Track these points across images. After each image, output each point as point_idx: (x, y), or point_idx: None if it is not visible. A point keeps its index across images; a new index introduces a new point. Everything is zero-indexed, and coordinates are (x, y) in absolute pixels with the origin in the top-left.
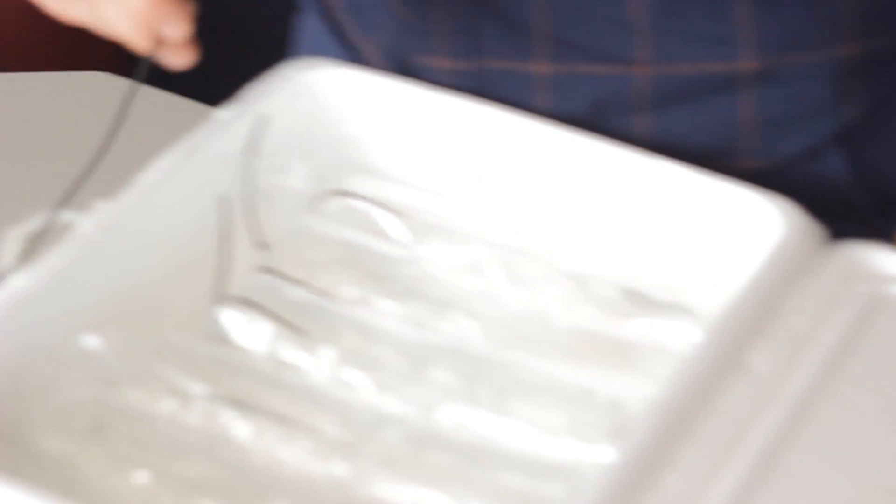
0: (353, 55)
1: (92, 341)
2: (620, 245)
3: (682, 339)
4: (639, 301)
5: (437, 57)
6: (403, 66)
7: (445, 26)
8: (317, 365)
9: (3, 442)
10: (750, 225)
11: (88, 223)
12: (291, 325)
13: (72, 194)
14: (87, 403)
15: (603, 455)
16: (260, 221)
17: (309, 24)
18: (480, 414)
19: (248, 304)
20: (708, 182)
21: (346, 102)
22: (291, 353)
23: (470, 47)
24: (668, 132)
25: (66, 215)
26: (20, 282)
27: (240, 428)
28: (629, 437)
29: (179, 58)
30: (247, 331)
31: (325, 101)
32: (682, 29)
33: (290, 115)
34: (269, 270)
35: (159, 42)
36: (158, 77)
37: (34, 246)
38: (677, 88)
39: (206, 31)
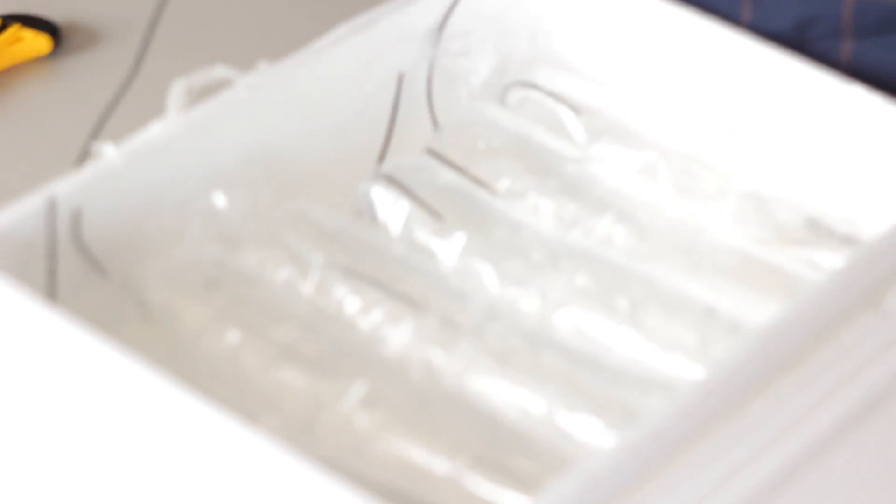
0: None
1: (220, 199)
2: (803, 170)
3: None
4: (819, 231)
5: None
6: None
7: None
8: (446, 250)
9: (116, 286)
10: None
11: (247, 81)
12: (429, 208)
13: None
14: (205, 260)
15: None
16: (434, 102)
17: None
18: (597, 320)
19: (394, 182)
20: None
21: None
22: (424, 237)
23: None
24: (868, 59)
25: (226, 72)
26: (158, 130)
27: (350, 302)
28: (725, 360)
29: None
30: (388, 209)
31: None
32: None
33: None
34: (432, 152)
35: None
36: None
37: (199, 98)
38: (881, 17)
39: None
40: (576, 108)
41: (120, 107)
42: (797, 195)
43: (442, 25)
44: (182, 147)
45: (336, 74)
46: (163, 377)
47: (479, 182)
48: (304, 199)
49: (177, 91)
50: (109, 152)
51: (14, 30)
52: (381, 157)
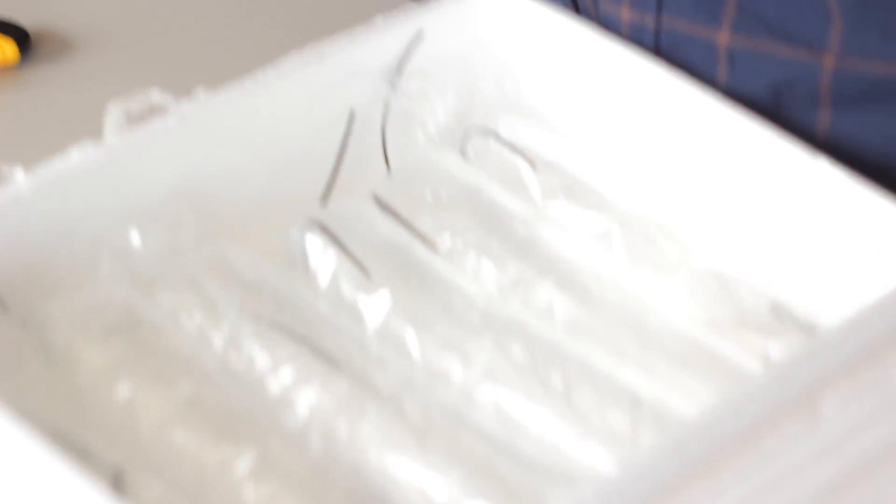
0: None
1: (135, 237)
2: (768, 247)
3: None
4: (782, 317)
5: (621, 5)
6: (587, 8)
7: None
8: (371, 309)
9: (16, 323)
10: None
11: (183, 109)
12: (358, 262)
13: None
14: (113, 302)
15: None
16: (386, 144)
17: None
18: (521, 399)
19: (327, 230)
20: (871, 197)
21: (511, 33)
22: (350, 292)
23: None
24: (844, 132)
25: (161, 97)
26: (76, 157)
27: (261, 359)
28: (637, 457)
29: None
30: (318, 259)
31: (488, 27)
32: (879, 21)
33: (447, 37)
34: (378, 200)
35: None
36: None
37: (135, 123)
38: (861, 86)
39: None
40: (534, 162)
41: (51, 126)
42: (760, 275)
43: (401, 64)
44: (101, 177)
45: (281, 108)
46: (21, 428)
47: (421, 236)
48: (232, 242)
49: (113, 115)
50: (19, 178)
51: None
52: (323, 200)
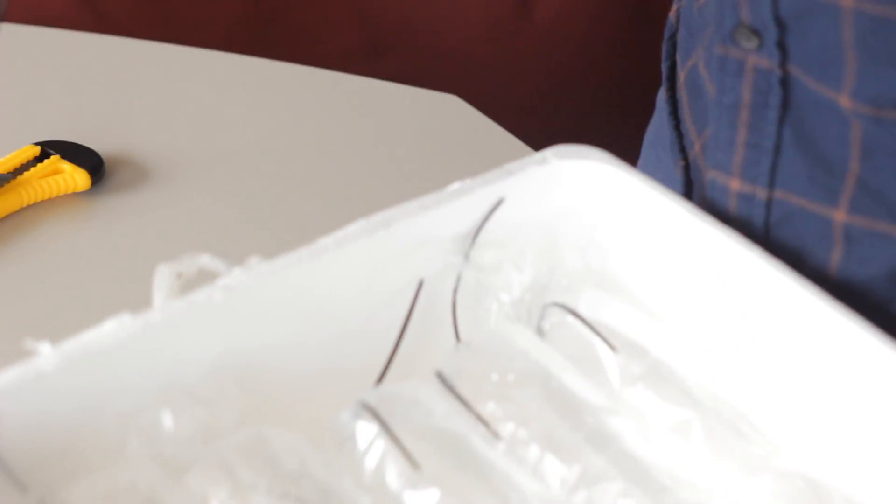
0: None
1: (168, 417)
2: (864, 454)
3: None
4: None
5: (731, 176)
6: (697, 177)
7: (745, 142)
8: None
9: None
10: None
11: (232, 277)
12: (407, 452)
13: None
14: (136, 488)
15: None
16: (456, 318)
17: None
18: None
19: (377, 414)
20: None
21: (597, 201)
22: (397, 485)
23: (766, 172)
24: None
25: (213, 262)
26: (110, 329)
27: None
28: None
29: None
30: (364, 447)
31: (573, 194)
32: None
33: (526, 204)
34: (441, 377)
35: None
36: None
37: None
38: None
39: None
40: (615, 345)
41: (116, 261)
42: (856, 484)
43: (476, 232)
44: (136, 352)
45: (340, 279)
46: None
47: (483, 422)
48: (275, 423)
49: (162, 278)
50: (45, 352)
51: (52, 161)
52: (381, 377)
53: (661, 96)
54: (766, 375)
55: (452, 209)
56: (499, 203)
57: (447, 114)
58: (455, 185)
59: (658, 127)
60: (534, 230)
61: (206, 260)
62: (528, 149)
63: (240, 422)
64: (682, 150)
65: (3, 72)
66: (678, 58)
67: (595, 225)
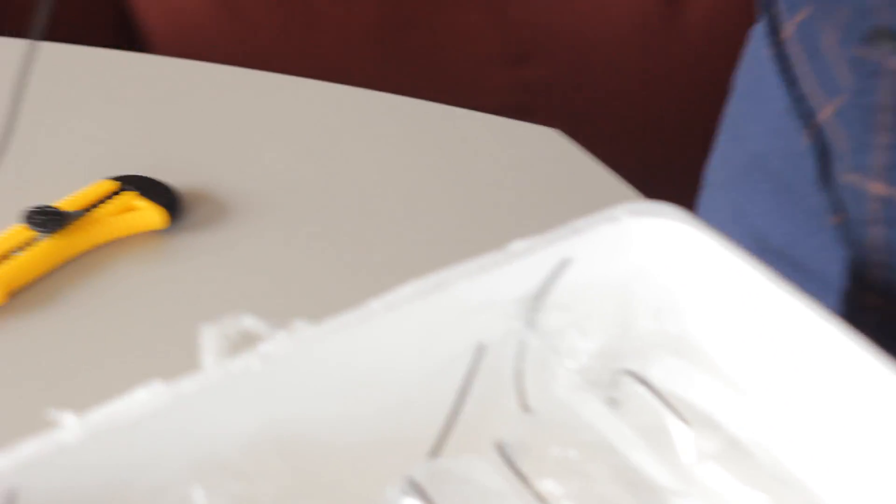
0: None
1: (200, 495)
2: None
3: None
4: None
5: (869, 177)
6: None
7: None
8: None
9: None
10: None
11: (275, 342)
12: None
13: None
14: None
15: None
16: (521, 386)
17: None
18: None
19: (426, 495)
20: None
21: (673, 261)
22: None
23: None
24: None
25: (255, 324)
26: (142, 399)
27: None
28: None
29: None
30: None
31: (646, 253)
32: None
33: (595, 264)
34: (500, 450)
35: None
36: None
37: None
38: None
39: None
40: (689, 419)
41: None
42: None
43: (541, 295)
44: (167, 424)
45: (390, 346)
46: None
47: (540, 499)
48: (319, 498)
49: (209, 341)
50: (69, 424)
51: (128, 197)
52: (433, 452)
53: (757, 54)
54: (854, 461)
55: (514, 270)
56: (563, 264)
57: (544, 150)
58: (517, 244)
59: (752, 89)
60: (603, 291)
61: (247, 321)
62: (631, 192)
63: (279, 498)
64: (807, 115)
65: (76, 99)
66: (782, 7)
67: (670, 287)
